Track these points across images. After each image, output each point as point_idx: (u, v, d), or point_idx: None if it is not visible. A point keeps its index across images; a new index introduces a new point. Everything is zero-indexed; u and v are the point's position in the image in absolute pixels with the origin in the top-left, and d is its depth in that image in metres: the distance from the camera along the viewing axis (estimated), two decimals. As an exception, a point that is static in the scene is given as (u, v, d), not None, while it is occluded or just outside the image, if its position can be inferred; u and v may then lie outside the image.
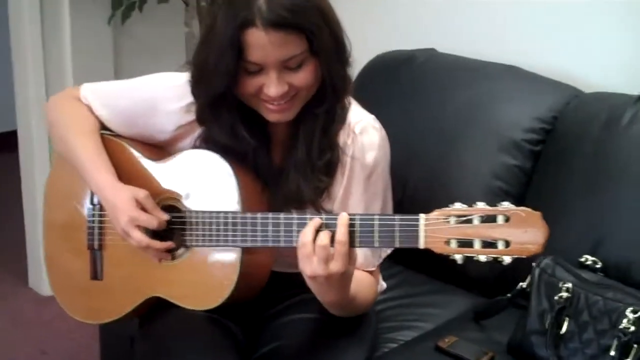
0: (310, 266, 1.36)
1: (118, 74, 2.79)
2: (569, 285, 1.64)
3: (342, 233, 1.35)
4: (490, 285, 1.97)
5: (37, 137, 2.77)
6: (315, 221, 1.38)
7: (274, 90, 1.43)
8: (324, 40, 1.43)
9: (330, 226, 1.37)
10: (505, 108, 2.04)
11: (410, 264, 2.06)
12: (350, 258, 1.37)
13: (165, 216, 1.51)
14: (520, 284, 1.74)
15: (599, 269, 1.71)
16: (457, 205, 1.31)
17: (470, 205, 1.30)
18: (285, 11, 1.37)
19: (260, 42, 1.38)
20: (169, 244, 1.52)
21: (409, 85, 2.20)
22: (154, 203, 1.52)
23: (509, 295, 1.79)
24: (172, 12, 2.70)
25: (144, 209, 1.51)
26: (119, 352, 2.05)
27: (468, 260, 1.30)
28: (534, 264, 1.71)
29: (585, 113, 1.95)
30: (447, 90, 2.13)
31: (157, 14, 2.66)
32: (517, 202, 1.90)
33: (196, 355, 1.49)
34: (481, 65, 2.18)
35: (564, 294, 1.63)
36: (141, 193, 1.52)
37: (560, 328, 1.63)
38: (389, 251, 1.64)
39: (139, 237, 1.50)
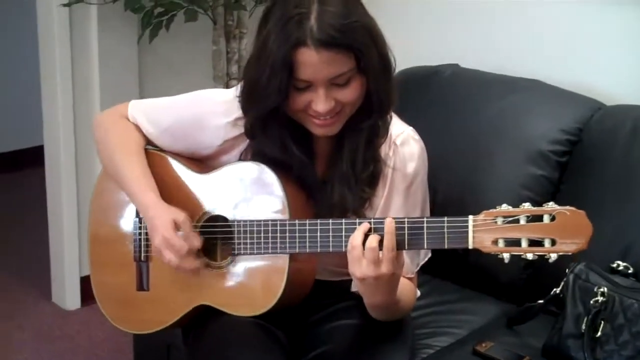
0: (360, 268, 1.42)
1: (143, 92, 2.84)
2: (604, 289, 1.69)
3: (389, 240, 1.41)
4: (519, 293, 2.03)
5: (63, 152, 2.80)
6: (364, 225, 1.44)
7: (321, 106, 1.48)
8: (371, 58, 1.48)
9: (378, 230, 1.43)
10: (531, 120, 2.10)
11: (437, 273, 2.11)
12: (398, 261, 1.43)
13: (198, 243, 1.56)
14: (554, 289, 1.79)
15: (630, 274, 1.76)
16: (504, 207, 1.36)
17: (516, 206, 1.35)
18: (335, 31, 1.43)
19: (311, 61, 1.44)
20: (197, 265, 1.56)
21: (435, 99, 2.26)
22: (191, 227, 1.56)
23: (541, 301, 1.84)
24: (198, 31, 2.76)
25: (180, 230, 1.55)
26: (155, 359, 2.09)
27: (515, 258, 1.35)
28: (567, 270, 1.77)
29: (610, 124, 2.02)
30: (473, 104, 2.20)
31: (184, 32, 2.72)
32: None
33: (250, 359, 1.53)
34: (505, 79, 2.25)
35: (600, 298, 1.69)
36: (180, 216, 1.56)
37: (597, 331, 1.68)
38: (426, 259, 1.70)
39: (169, 257, 1.55)
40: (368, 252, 1.41)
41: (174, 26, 2.62)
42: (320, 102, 1.48)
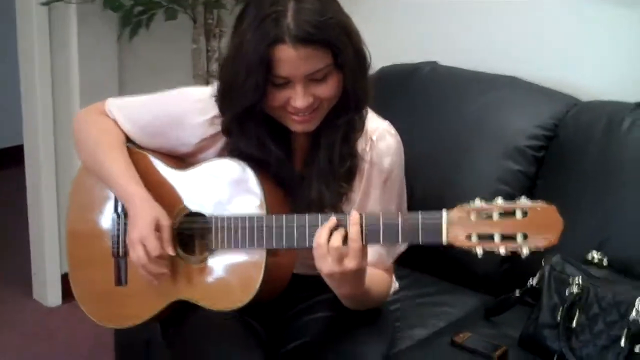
0: (325, 265, 1.44)
1: (123, 90, 2.83)
2: (579, 280, 1.72)
3: (354, 232, 1.43)
4: (496, 285, 2.06)
5: (43, 151, 2.80)
6: (330, 222, 1.45)
7: (300, 102, 1.50)
8: (347, 54, 1.51)
9: (344, 225, 1.44)
10: (508, 117, 2.14)
11: (416, 266, 2.14)
12: (363, 254, 1.44)
13: (171, 252, 1.56)
14: (530, 281, 1.82)
15: (605, 265, 1.80)
16: (477, 202, 1.38)
17: (489, 202, 1.38)
18: (312, 28, 1.45)
19: (289, 58, 1.46)
20: (163, 271, 1.58)
21: (414, 96, 2.29)
22: (170, 235, 1.57)
23: (517, 292, 1.87)
24: (178, 29, 2.76)
25: (158, 232, 1.56)
26: (135, 354, 2.09)
27: (487, 253, 1.37)
28: (543, 262, 1.80)
29: (585, 120, 2.05)
30: (451, 101, 2.23)
31: (164, 31, 2.72)
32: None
33: (229, 354, 1.55)
34: (483, 76, 2.29)
35: (575, 289, 1.72)
36: (165, 220, 1.57)
37: (572, 321, 1.71)
38: (402, 249, 1.71)
39: (139, 253, 1.56)
40: (332, 250, 1.43)
41: (153, 25, 2.63)
42: (299, 98, 1.50)
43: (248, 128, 1.57)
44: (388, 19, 2.65)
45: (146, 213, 1.57)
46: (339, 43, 1.49)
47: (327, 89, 1.52)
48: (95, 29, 2.74)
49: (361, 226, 1.43)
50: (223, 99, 1.58)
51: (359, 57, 1.55)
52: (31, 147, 2.85)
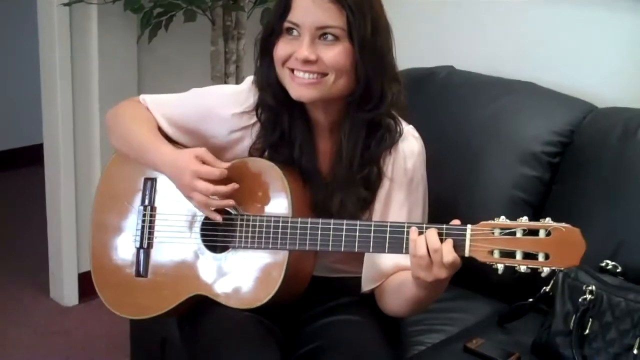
0: (429, 274, 1.43)
1: (142, 91, 2.82)
2: (592, 287, 1.72)
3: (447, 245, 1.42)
4: (510, 291, 2.05)
5: (63, 150, 2.83)
6: (414, 230, 1.44)
7: (302, 52, 1.51)
8: (363, 25, 1.51)
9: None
10: (524, 122, 2.13)
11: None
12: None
13: (224, 164, 1.57)
14: (544, 288, 1.82)
15: (619, 273, 1.79)
16: (502, 219, 1.39)
17: (514, 219, 1.39)
18: None
19: (304, 3, 1.50)
20: (234, 185, 1.55)
21: (430, 100, 2.29)
22: (213, 156, 1.58)
23: (531, 299, 1.87)
24: (197, 31, 2.78)
25: (205, 163, 1.57)
26: (151, 353, 2.11)
27: (508, 269, 1.38)
28: (562, 270, 1.79)
29: (601, 126, 2.05)
30: (467, 106, 2.23)
31: (183, 32, 2.74)
32: (537, 211, 2.02)
33: (246, 354, 1.56)
34: (499, 81, 2.28)
35: (588, 296, 1.72)
36: (200, 149, 1.59)
37: (585, 329, 1.71)
38: None
39: (203, 185, 1.54)
40: (434, 255, 1.41)
41: (173, 26, 2.64)
42: (303, 48, 1.51)
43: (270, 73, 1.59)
44: (406, 23, 2.64)
45: (183, 158, 1.58)
46: (357, 8, 1.50)
47: (333, 56, 1.52)
48: (115, 30, 2.77)
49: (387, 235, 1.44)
50: (260, 54, 1.61)
51: (377, 36, 1.54)
52: (51, 146, 2.88)
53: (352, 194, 1.60)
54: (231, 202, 1.57)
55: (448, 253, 1.40)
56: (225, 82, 2.74)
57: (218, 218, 1.58)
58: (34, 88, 2.94)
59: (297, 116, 1.62)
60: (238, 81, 2.67)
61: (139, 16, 2.62)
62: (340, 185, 1.60)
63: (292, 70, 1.55)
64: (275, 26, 1.55)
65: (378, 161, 1.62)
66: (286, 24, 1.53)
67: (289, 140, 1.62)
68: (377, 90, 1.56)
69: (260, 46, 1.61)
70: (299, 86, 1.55)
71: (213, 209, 1.58)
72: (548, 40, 2.37)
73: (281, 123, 1.62)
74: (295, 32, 1.53)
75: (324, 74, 1.53)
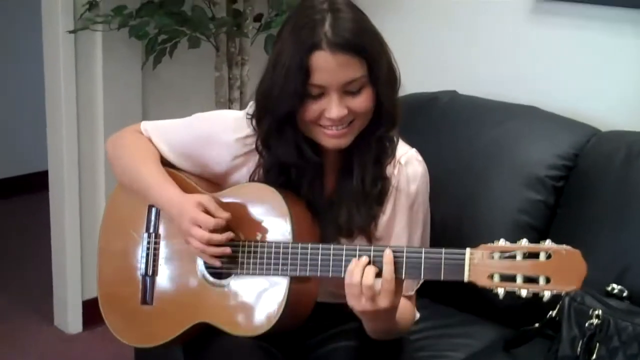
0: (359, 303, 1.45)
1: (147, 117, 2.87)
2: (599, 312, 1.71)
3: (388, 271, 1.43)
4: (517, 316, 2.03)
5: (67, 177, 2.83)
6: (362, 260, 1.45)
7: (334, 111, 1.51)
8: (381, 66, 1.53)
9: (377, 260, 1.45)
10: (528, 146, 2.13)
11: (436, 297, 2.13)
12: (396, 291, 1.45)
13: (224, 214, 1.57)
14: (550, 313, 1.81)
15: (625, 297, 1.78)
16: (502, 242, 1.37)
17: (514, 242, 1.37)
18: (350, 35, 1.48)
19: (327, 65, 1.48)
20: (229, 234, 1.56)
21: (433, 125, 2.30)
22: (216, 205, 1.58)
23: (537, 324, 1.86)
24: (201, 57, 2.79)
25: (207, 211, 1.57)
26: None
27: (509, 293, 1.36)
28: (563, 293, 1.78)
29: (605, 150, 2.05)
30: (471, 130, 2.23)
31: (187, 58, 2.76)
32: (542, 235, 2.01)
33: None
34: (502, 105, 2.29)
35: (595, 321, 1.71)
36: (204, 197, 1.60)
37: (592, 354, 1.70)
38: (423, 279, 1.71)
39: (199, 233, 1.55)
40: (366, 290, 1.43)
41: (177, 53, 2.66)
42: (333, 108, 1.50)
43: (286, 134, 1.57)
44: (409, 47, 2.66)
45: (188, 202, 1.59)
46: (375, 53, 1.51)
47: (362, 102, 1.53)
48: (120, 56, 2.78)
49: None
50: (261, 110, 1.58)
51: (391, 72, 1.57)
52: (56, 173, 2.88)
53: (363, 210, 1.60)
54: (227, 250, 1.57)
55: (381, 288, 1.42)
56: (230, 108, 2.74)
57: (217, 264, 1.59)
58: (39, 114, 2.95)
59: (309, 160, 1.61)
60: (242, 107, 2.67)
61: (143, 43, 2.64)
62: (350, 201, 1.60)
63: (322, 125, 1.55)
64: (297, 91, 1.50)
65: (386, 174, 1.62)
66: (311, 89, 1.51)
67: (296, 178, 1.61)
68: (393, 112, 1.59)
69: (275, 128, 1.57)
70: (333, 138, 1.55)
71: (209, 255, 1.58)
72: (551, 64, 2.37)
73: (290, 170, 1.62)
74: (318, 91, 1.52)
75: (352, 120, 1.55)
